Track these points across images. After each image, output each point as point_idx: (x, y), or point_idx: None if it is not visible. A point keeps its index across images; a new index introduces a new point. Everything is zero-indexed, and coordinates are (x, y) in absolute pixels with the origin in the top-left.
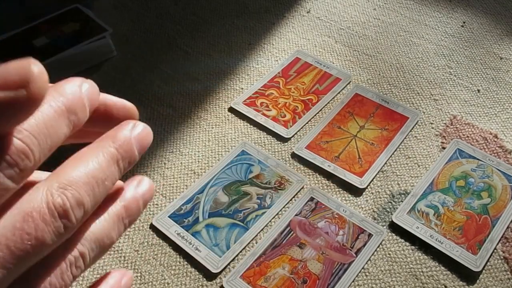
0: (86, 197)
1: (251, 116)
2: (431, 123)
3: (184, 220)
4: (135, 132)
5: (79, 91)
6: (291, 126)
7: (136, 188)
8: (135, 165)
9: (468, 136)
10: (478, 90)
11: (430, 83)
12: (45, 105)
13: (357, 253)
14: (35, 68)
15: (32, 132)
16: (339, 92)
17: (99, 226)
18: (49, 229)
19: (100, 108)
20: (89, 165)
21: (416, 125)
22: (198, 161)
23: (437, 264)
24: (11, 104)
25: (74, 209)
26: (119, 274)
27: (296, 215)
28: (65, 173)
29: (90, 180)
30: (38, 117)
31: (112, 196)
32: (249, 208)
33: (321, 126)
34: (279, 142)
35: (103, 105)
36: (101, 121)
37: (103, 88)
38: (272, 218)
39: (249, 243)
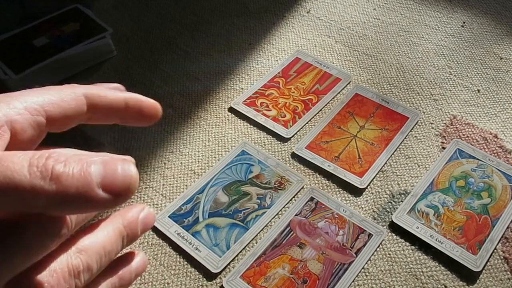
0: (94, 264)
1: (251, 116)
2: (431, 123)
3: (184, 220)
4: (141, 215)
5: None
6: (291, 126)
7: (131, 262)
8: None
9: (468, 136)
10: (478, 90)
11: (430, 83)
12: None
13: (357, 253)
14: (135, 185)
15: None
16: (339, 92)
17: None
18: (66, 285)
19: (135, 107)
20: (101, 237)
21: (416, 125)
22: (198, 161)
23: (437, 264)
24: (97, 202)
25: (85, 272)
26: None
27: (296, 215)
28: (82, 240)
29: (100, 250)
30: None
31: (112, 265)
32: (249, 208)
33: (321, 126)
34: (279, 142)
35: (138, 106)
36: (135, 117)
37: None
38: (272, 218)
39: (249, 243)
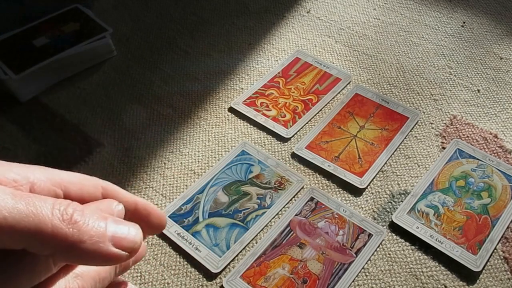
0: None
1: (251, 116)
2: (431, 123)
3: (184, 220)
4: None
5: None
6: (291, 126)
7: None
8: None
9: (468, 136)
10: (478, 90)
11: (430, 83)
12: None
13: (357, 253)
14: (138, 248)
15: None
16: (339, 92)
17: None
18: None
19: (143, 212)
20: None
21: (416, 125)
22: (198, 161)
23: (437, 264)
24: (107, 255)
25: None
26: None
27: (296, 215)
28: (79, 266)
29: (95, 276)
30: None
31: None
32: (249, 208)
33: (321, 126)
34: (279, 142)
35: (146, 211)
36: (141, 223)
37: (103, 88)
38: (272, 218)
39: (249, 243)
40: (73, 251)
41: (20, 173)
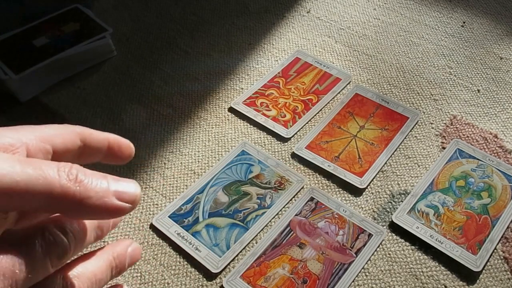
0: None
1: (251, 116)
2: (431, 123)
3: (184, 220)
4: (130, 249)
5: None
6: (291, 126)
7: None
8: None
9: (468, 136)
10: (478, 90)
11: (430, 83)
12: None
13: (357, 253)
14: (139, 195)
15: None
16: (339, 92)
17: None
18: None
19: (114, 144)
20: (93, 265)
21: (416, 125)
22: (198, 161)
23: (437, 264)
24: (113, 208)
25: None
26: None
27: (296, 215)
28: (76, 267)
29: (92, 277)
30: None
31: None
32: (249, 208)
33: (321, 126)
34: (279, 142)
35: (117, 143)
36: (114, 155)
37: (103, 88)
38: (272, 218)
39: (249, 243)
40: (82, 207)
41: (13, 136)
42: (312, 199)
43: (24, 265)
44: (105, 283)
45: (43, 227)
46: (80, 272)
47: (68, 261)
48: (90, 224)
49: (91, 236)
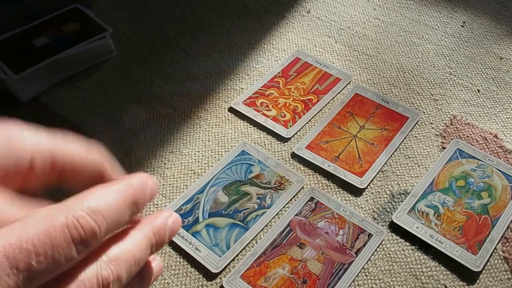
0: (124, 274)
1: (251, 116)
2: (431, 123)
3: (184, 220)
4: (169, 221)
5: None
6: (291, 126)
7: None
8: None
9: (468, 136)
10: (478, 90)
11: (430, 83)
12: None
13: (357, 253)
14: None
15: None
16: (339, 92)
17: None
18: None
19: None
20: (131, 245)
21: (416, 125)
22: (198, 161)
23: (437, 264)
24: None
25: (115, 283)
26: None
27: (296, 215)
28: (112, 249)
29: (130, 258)
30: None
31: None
32: (249, 208)
33: (321, 126)
34: (279, 142)
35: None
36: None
37: (103, 88)
38: (272, 218)
39: (249, 243)
40: None
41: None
42: (312, 199)
43: (42, 255)
44: (145, 261)
45: (66, 206)
46: (117, 255)
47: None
48: (124, 199)
49: (125, 215)
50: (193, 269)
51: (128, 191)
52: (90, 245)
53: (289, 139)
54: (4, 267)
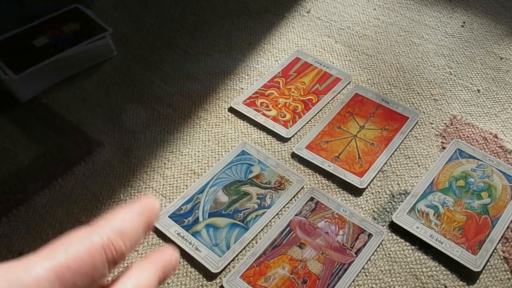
0: None
1: (251, 116)
2: (431, 123)
3: (184, 220)
4: (173, 260)
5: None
6: (291, 126)
7: None
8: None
9: (468, 136)
10: (478, 90)
11: (430, 83)
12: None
13: (357, 253)
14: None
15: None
16: (339, 92)
17: None
18: None
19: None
20: (145, 279)
21: (416, 125)
22: (198, 161)
23: (437, 264)
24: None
25: None
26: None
27: (296, 215)
28: (128, 282)
29: None
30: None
31: None
32: (249, 208)
33: (321, 126)
34: (279, 142)
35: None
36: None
37: (103, 88)
38: (272, 218)
39: (249, 243)
40: None
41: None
42: (312, 199)
43: (85, 274)
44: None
45: (98, 229)
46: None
47: (117, 275)
48: (142, 222)
49: (142, 236)
50: (193, 269)
51: (144, 213)
52: (117, 264)
53: (289, 139)
54: (56, 287)
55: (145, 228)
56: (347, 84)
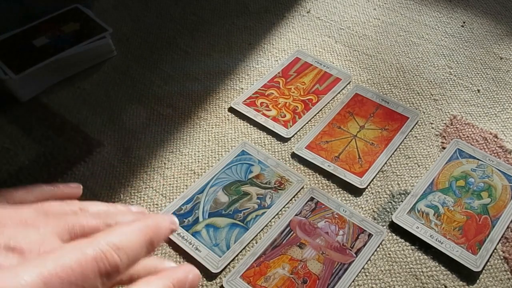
0: None
1: (251, 116)
2: (431, 123)
3: (184, 220)
4: (190, 276)
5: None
6: (291, 126)
7: None
8: (136, 165)
9: (468, 136)
10: (478, 90)
11: (430, 83)
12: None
13: (357, 253)
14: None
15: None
16: (339, 92)
17: None
18: None
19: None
20: None
21: (416, 125)
22: (198, 161)
23: (437, 264)
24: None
25: None
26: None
27: (296, 215)
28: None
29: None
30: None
31: None
32: (249, 208)
33: (321, 126)
34: (279, 142)
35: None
36: None
37: (103, 88)
38: (272, 218)
39: (249, 243)
40: None
41: None
42: (312, 199)
43: (74, 283)
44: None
45: (93, 241)
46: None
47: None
48: (142, 238)
49: (142, 252)
50: None
51: (146, 231)
52: (112, 278)
53: (289, 139)
54: None
55: (147, 245)
56: (347, 84)
